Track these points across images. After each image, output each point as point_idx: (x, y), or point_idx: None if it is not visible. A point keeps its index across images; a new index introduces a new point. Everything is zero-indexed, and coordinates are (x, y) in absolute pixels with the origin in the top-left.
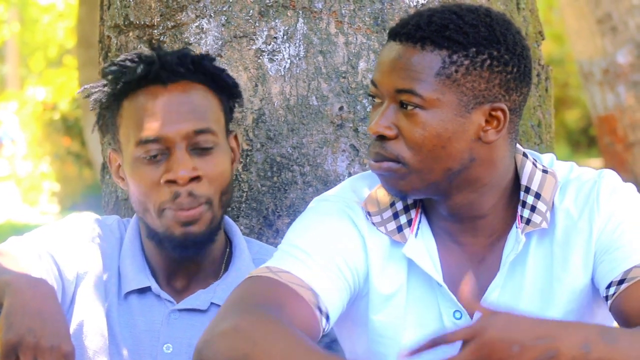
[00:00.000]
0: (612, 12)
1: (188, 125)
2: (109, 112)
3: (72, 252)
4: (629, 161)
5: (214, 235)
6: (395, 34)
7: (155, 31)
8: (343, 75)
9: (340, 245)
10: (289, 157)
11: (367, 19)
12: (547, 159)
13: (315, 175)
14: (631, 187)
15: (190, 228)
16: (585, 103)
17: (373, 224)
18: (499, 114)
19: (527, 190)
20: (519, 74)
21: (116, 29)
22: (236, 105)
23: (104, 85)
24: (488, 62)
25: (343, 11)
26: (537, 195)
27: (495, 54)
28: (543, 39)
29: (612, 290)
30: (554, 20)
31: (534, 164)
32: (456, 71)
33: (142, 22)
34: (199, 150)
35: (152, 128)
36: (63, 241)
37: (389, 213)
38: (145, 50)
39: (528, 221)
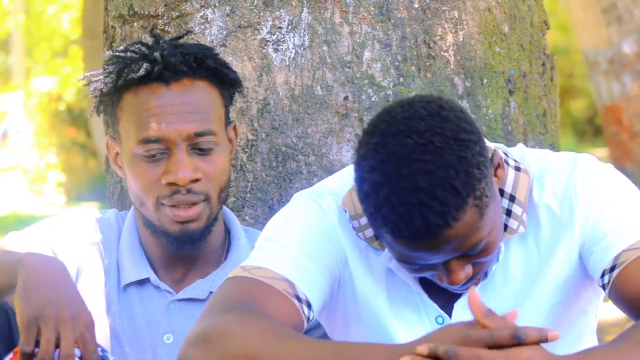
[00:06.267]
0: (617, 2)
1: (190, 127)
2: (109, 101)
3: (72, 246)
4: (635, 150)
5: (210, 229)
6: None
7: (160, 21)
8: (348, 65)
9: (314, 230)
10: (294, 147)
11: (371, 8)
12: (517, 151)
13: (320, 165)
14: (609, 167)
15: (189, 225)
16: (591, 93)
17: (354, 228)
18: None
19: (502, 192)
20: None
21: (120, 19)
22: (237, 92)
23: (105, 77)
24: None
25: (347, 1)
26: (512, 198)
27: None
28: (548, 28)
29: (606, 278)
30: (560, 10)
31: (505, 161)
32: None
33: (147, 12)
34: (199, 150)
35: (153, 128)
36: (63, 235)
37: (365, 219)
38: (149, 40)
39: (505, 226)
